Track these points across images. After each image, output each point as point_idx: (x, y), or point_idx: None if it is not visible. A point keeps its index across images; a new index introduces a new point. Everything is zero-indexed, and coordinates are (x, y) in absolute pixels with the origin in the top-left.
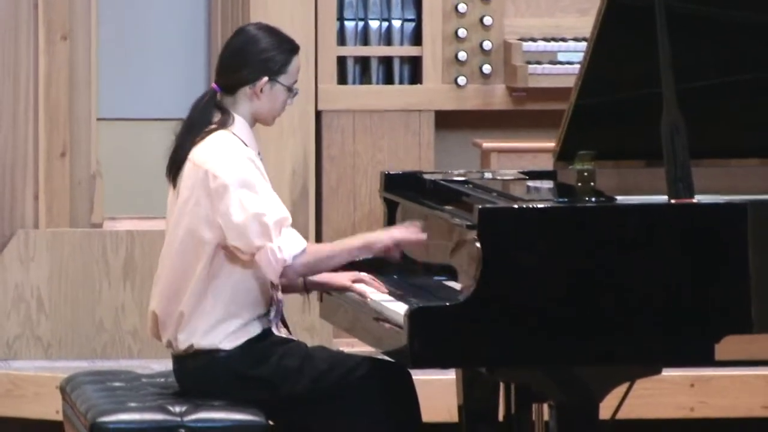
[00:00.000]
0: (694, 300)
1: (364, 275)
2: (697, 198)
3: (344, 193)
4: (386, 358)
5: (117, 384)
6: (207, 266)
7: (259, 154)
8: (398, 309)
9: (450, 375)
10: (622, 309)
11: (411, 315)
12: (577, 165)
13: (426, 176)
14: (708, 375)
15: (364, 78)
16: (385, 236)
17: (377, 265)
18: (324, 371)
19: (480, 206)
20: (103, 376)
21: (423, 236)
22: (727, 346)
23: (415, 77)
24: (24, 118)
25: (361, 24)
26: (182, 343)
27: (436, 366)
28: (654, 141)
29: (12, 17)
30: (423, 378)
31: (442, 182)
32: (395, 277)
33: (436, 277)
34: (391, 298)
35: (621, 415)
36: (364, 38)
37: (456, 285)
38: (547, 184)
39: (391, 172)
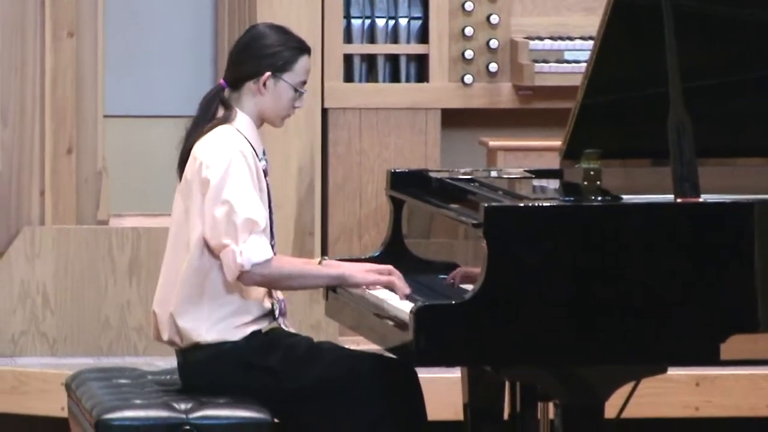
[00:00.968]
0: (700, 299)
1: (395, 273)
2: (703, 197)
3: (350, 190)
4: (392, 355)
5: (122, 381)
6: (198, 258)
7: (264, 153)
8: (404, 307)
9: (455, 373)
10: (628, 308)
11: (417, 313)
12: (583, 164)
13: (432, 174)
14: (713, 374)
15: (371, 76)
16: (365, 278)
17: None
18: (330, 364)
19: (486, 205)
20: (108, 373)
21: (407, 291)
22: (733, 345)
23: (422, 75)
24: (30, 115)
25: (367, 22)
26: (185, 340)
27: (442, 364)
28: (660, 140)
29: (18, 14)
30: (428, 376)
31: (448, 180)
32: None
33: (442, 275)
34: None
35: (626, 414)
36: (371, 36)
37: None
38: (553, 183)
39: (397, 170)
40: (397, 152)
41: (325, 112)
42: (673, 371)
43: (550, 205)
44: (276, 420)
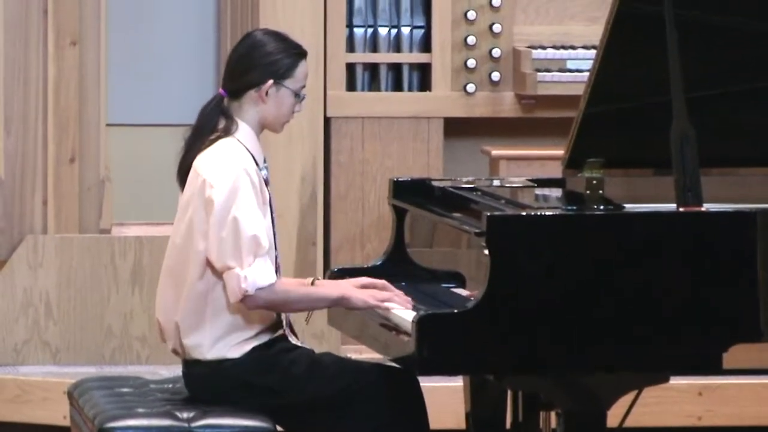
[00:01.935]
0: (703, 308)
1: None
2: (706, 206)
3: (353, 199)
4: (394, 364)
5: (125, 390)
6: (201, 276)
7: (264, 161)
8: (406, 316)
9: (458, 382)
10: (631, 317)
11: (419, 322)
12: (586, 173)
13: (435, 183)
14: (716, 383)
15: (373, 85)
16: (365, 303)
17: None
18: (331, 378)
19: (488, 213)
20: (110, 381)
21: (408, 306)
22: (736, 354)
23: (424, 84)
24: (33, 123)
25: (370, 31)
26: (188, 354)
27: (444, 373)
28: (663, 149)
29: (22, 23)
30: (430, 385)
31: (450, 189)
32: (403, 284)
33: (444, 284)
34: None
35: (628, 423)
36: (374, 45)
37: (464, 292)
38: (556, 192)
39: (399, 179)
40: (399, 161)
41: (327, 120)
42: (675, 380)
43: (553, 214)
44: (279, 429)
